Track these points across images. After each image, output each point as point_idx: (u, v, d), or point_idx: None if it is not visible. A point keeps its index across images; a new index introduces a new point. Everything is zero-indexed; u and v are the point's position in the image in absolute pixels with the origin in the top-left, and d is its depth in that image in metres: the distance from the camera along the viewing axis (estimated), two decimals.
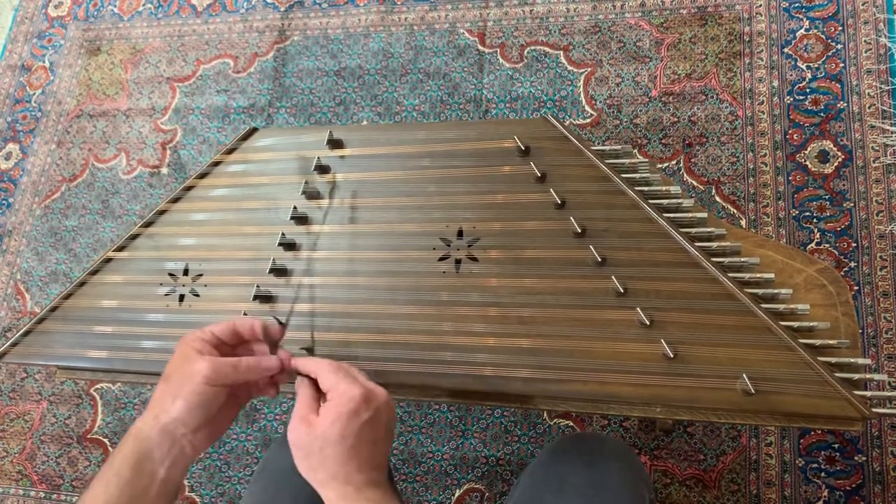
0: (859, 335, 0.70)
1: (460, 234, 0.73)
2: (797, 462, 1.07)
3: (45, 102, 1.63)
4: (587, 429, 1.15)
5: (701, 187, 1.22)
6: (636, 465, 0.72)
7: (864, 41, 1.23)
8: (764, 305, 0.62)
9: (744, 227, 1.19)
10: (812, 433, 1.08)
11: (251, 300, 0.75)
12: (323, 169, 0.80)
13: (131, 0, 1.67)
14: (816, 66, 1.24)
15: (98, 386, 1.37)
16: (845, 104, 1.20)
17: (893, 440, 1.04)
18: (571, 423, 1.16)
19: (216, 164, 0.85)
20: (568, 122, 1.30)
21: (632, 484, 0.68)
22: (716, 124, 1.25)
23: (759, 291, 0.63)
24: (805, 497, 1.05)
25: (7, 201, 1.57)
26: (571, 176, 0.72)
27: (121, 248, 0.83)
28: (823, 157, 1.19)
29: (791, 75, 1.24)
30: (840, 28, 1.25)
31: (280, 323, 0.60)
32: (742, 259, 0.65)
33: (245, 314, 0.74)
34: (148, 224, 0.83)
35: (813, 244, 1.15)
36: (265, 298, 0.75)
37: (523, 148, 0.74)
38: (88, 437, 1.34)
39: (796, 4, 1.28)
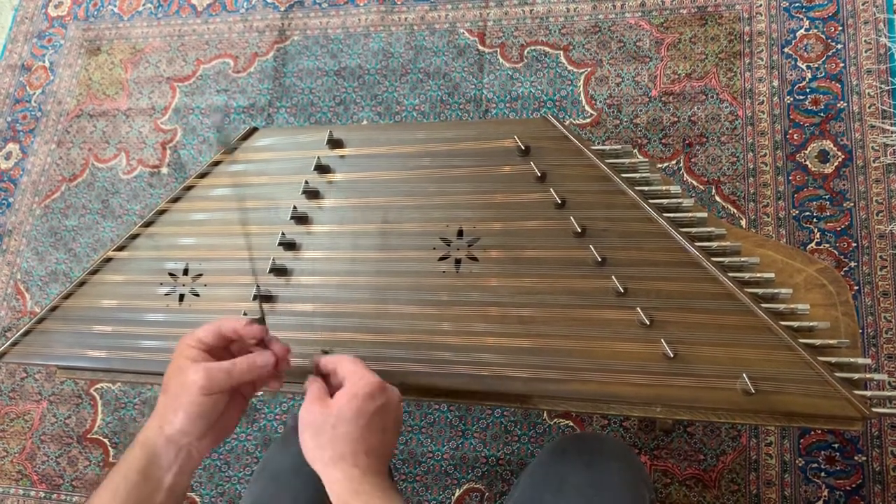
0: (859, 335, 0.70)
1: (460, 233, 0.73)
2: (797, 462, 1.07)
3: (45, 102, 1.63)
4: (587, 429, 1.16)
5: (701, 187, 1.22)
6: (636, 465, 0.72)
7: (864, 41, 1.23)
8: (764, 305, 0.62)
9: (744, 226, 1.19)
10: (812, 433, 1.08)
11: (251, 300, 0.74)
12: (323, 169, 0.80)
13: (131, 0, 1.67)
14: (816, 65, 1.24)
15: (98, 386, 1.37)
16: (845, 104, 1.20)
17: (893, 440, 1.04)
18: (571, 423, 1.16)
19: (216, 163, 0.85)
20: (568, 122, 1.30)
21: (632, 484, 0.68)
22: (716, 124, 1.25)
23: (760, 291, 0.63)
24: (805, 497, 1.05)
25: (7, 201, 1.57)
26: (571, 176, 0.72)
27: (121, 248, 0.83)
28: (823, 156, 1.19)
29: (791, 75, 1.24)
30: (840, 28, 1.25)
31: (258, 321, 0.60)
32: (742, 259, 0.65)
33: (245, 314, 0.74)
34: (148, 224, 0.83)
35: (813, 244, 1.15)
36: (265, 298, 0.75)
37: (523, 147, 0.74)
38: (88, 436, 1.34)
39: (796, 4, 1.28)
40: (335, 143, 0.81)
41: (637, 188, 0.70)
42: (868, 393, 0.59)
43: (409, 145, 0.78)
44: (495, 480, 1.15)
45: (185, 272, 0.79)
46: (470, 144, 0.77)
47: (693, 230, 0.67)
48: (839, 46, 1.24)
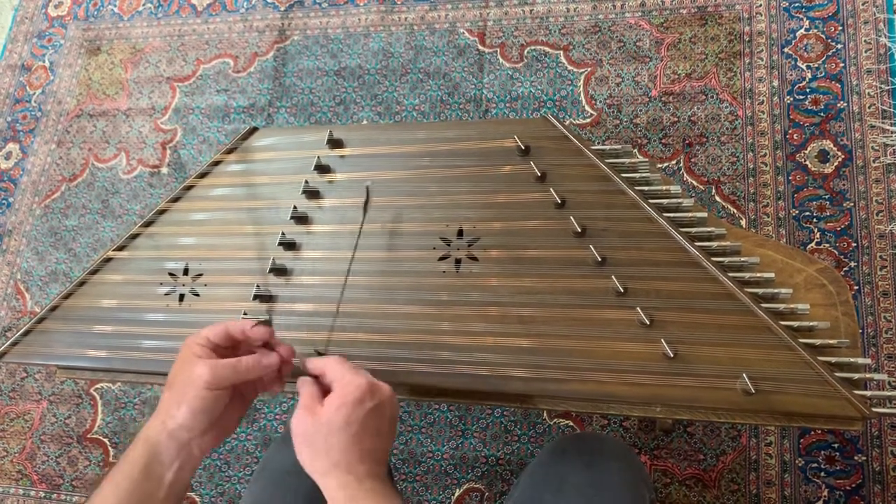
0: (859, 335, 0.70)
1: (460, 233, 0.73)
2: (797, 462, 1.07)
3: (45, 102, 1.63)
4: (587, 429, 1.16)
5: (701, 187, 1.22)
6: (636, 465, 0.72)
7: (864, 41, 1.23)
8: (764, 305, 0.62)
9: (744, 226, 1.19)
10: (812, 433, 1.08)
11: (251, 300, 0.74)
12: (323, 168, 0.80)
13: (131, 0, 1.67)
14: (816, 65, 1.24)
15: (98, 385, 1.37)
16: (845, 104, 1.20)
17: (893, 440, 1.04)
18: (571, 423, 1.16)
19: (216, 163, 0.85)
20: (568, 122, 1.30)
21: (632, 483, 0.68)
22: (716, 124, 1.25)
23: (759, 291, 0.63)
24: (805, 497, 1.05)
25: (7, 201, 1.57)
26: (571, 175, 0.72)
27: (121, 248, 0.83)
28: (823, 156, 1.19)
29: (791, 75, 1.24)
30: (840, 28, 1.25)
31: (265, 322, 0.60)
32: (742, 259, 0.65)
33: (245, 314, 0.74)
34: (148, 223, 0.83)
35: (813, 244, 1.15)
36: (265, 298, 0.75)
37: (523, 147, 0.74)
38: (88, 436, 1.34)
39: (796, 4, 1.28)
40: (335, 143, 0.81)
41: (637, 188, 0.70)
42: (868, 393, 0.59)
43: (409, 145, 0.79)
44: (495, 480, 1.15)
45: (185, 272, 0.79)
46: (470, 144, 0.77)
47: (693, 230, 0.67)
48: (839, 46, 1.24)
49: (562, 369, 0.64)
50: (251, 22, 1.56)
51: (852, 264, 1.13)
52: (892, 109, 1.18)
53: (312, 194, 0.79)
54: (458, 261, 0.71)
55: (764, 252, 0.67)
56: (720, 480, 1.08)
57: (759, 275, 0.64)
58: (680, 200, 0.68)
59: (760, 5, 1.29)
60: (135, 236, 0.83)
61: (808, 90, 1.23)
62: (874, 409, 0.58)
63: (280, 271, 0.76)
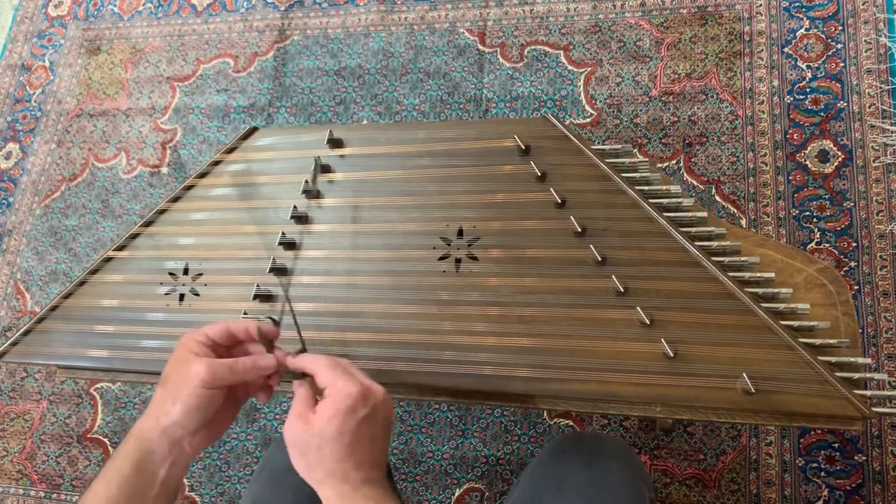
0: (859, 334, 0.71)
1: (460, 233, 0.73)
2: (797, 461, 1.07)
3: (45, 102, 1.63)
4: (587, 428, 1.16)
5: (701, 187, 1.22)
6: (636, 465, 0.72)
7: (865, 41, 1.23)
8: (764, 305, 0.62)
9: (744, 226, 1.19)
10: (812, 433, 1.08)
11: (251, 299, 0.74)
12: (323, 168, 0.80)
13: (131, 0, 1.67)
14: (816, 65, 1.24)
15: (98, 385, 1.37)
16: (845, 104, 1.20)
17: (893, 440, 1.04)
18: (571, 423, 1.16)
19: (216, 163, 0.85)
20: (568, 122, 1.30)
21: (632, 483, 0.68)
22: (716, 124, 1.25)
23: (760, 291, 0.63)
24: (805, 497, 1.05)
25: (7, 201, 1.57)
26: (572, 175, 0.72)
27: (121, 248, 0.83)
28: (823, 156, 1.19)
29: (791, 75, 1.24)
30: (840, 28, 1.25)
31: (274, 322, 0.59)
32: (742, 258, 0.65)
33: (245, 314, 0.74)
34: (148, 223, 0.83)
35: (813, 244, 1.15)
36: (265, 297, 0.75)
37: (523, 147, 0.74)
38: (88, 436, 1.34)
39: (796, 4, 1.28)
40: (335, 143, 0.81)
41: (637, 188, 0.70)
42: (868, 392, 0.59)
43: (409, 145, 0.78)
44: (495, 480, 1.15)
45: (186, 272, 0.79)
46: (470, 144, 0.77)
47: (693, 230, 0.67)
48: (839, 46, 1.24)
49: (562, 369, 0.64)
50: (251, 22, 1.56)
51: (852, 264, 1.13)
52: (892, 109, 1.18)
53: (312, 194, 0.79)
54: (458, 260, 0.71)
55: (764, 252, 0.67)
56: (720, 480, 1.08)
57: (759, 274, 0.64)
58: (680, 200, 0.68)
59: (760, 5, 1.29)
60: (135, 236, 0.83)
61: (808, 90, 1.23)
62: (874, 409, 0.58)
63: (280, 271, 0.76)
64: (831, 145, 1.19)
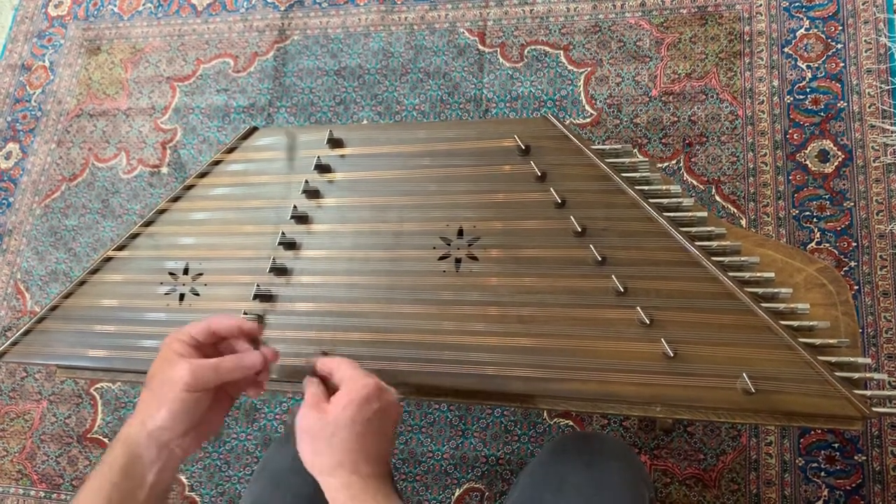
0: (859, 334, 0.71)
1: (460, 233, 0.73)
2: (797, 461, 1.07)
3: (45, 102, 1.63)
4: (587, 428, 1.16)
5: (701, 187, 1.22)
6: (636, 465, 0.72)
7: (865, 41, 1.23)
8: (764, 304, 0.63)
9: (744, 226, 1.19)
10: (812, 432, 1.08)
11: (251, 299, 0.75)
12: (323, 168, 0.80)
13: (131, 0, 1.67)
14: (816, 65, 1.24)
15: (98, 385, 1.37)
16: (845, 104, 1.20)
17: (893, 439, 1.04)
18: (571, 423, 1.16)
19: (216, 163, 0.85)
20: (568, 122, 1.30)
21: (632, 483, 0.68)
22: (716, 124, 1.25)
23: (759, 290, 0.63)
24: (805, 497, 1.05)
25: (7, 201, 1.57)
26: (572, 175, 0.72)
27: (121, 248, 0.83)
28: (823, 156, 1.19)
29: (791, 75, 1.24)
30: (840, 28, 1.25)
31: (259, 319, 0.59)
32: (742, 258, 0.65)
33: (245, 313, 0.74)
34: (148, 223, 0.83)
35: (813, 244, 1.15)
36: (265, 297, 0.75)
37: (523, 147, 0.74)
38: (88, 436, 1.34)
39: (796, 4, 1.28)
40: (335, 143, 0.81)
41: (637, 188, 0.70)
42: (868, 392, 0.59)
43: (409, 145, 0.79)
44: (495, 480, 1.15)
45: (186, 271, 0.79)
46: (470, 144, 0.77)
47: (693, 230, 0.67)
48: (839, 46, 1.24)
49: (562, 369, 0.64)
50: (251, 22, 1.56)
51: (852, 264, 1.13)
52: (892, 109, 1.18)
53: (312, 194, 0.79)
54: (458, 260, 0.71)
55: (764, 252, 0.67)
56: (720, 480, 1.08)
57: (759, 274, 0.64)
58: (680, 200, 0.68)
59: (760, 5, 1.29)
60: (135, 236, 0.83)
61: (808, 90, 1.23)
62: (874, 409, 0.58)
63: (280, 271, 0.76)
64: (831, 145, 1.19)
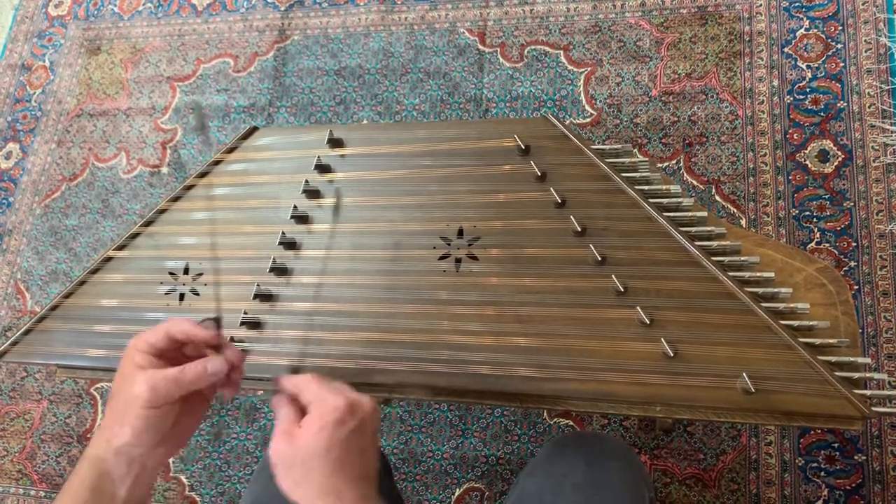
0: (859, 334, 0.71)
1: (460, 233, 0.73)
2: (797, 461, 1.07)
3: (45, 102, 1.63)
4: (587, 428, 1.16)
5: (701, 187, 1.22)
6: (636, 465, 0.72)
7: (864, 41, 1.23)
8: (764, 304, 0.63)
9: (744, 226, 1.19)
10: (812, 432, 1.08)
11: (251, 299, 0.75)
12: (323, 168, 0.80)
13: (131, 0, 1.67)
14: (816, 65, 1.24)
15: (98, 385, 1.37)
16: (845, 104, 1.20)
17: (893, 439, 1.04)
18: (571, 423, 1.16)
19: (216, 162, 0.85)
20: (568, 122, 1.30)
21: (632, 483, 0.68)
22: (716, 124, 1.25)
23: (759, 290, 0.63)
24: (805, 496, 1.05)
25: (7, 200, 1.57)
26: (572, 175, 0.72)
27: (121, 247, 0.83)
28: (823, 156, 1.19)
29: (791, 75, 1.24)
30: (840, 28, 1.25)
31: (216, 322, 0.56)
32: (742, 258, 0.65)
33: (245, 313, 0.74)
34: (148, 223, 0.83)
35: (813, 243, 1.15)
36: (265, 297, 0.75)
37: (523, 147, 0.74)
38: (88, 436, 1.34)
39: (796, 4, 1.28)
40: (335, 143, 0.81)
41: (637, 187, 0.70)
42: (868, 392, 0.59)
43: (409, 145, 0.79)
44: (495, 480, 1.15)
45: (186, 271, 0.79)
46: (470, 144, 0.77)
47: (693, 229, 0.67)
48: (839, 46, 1.24)
49: (562, 368, 0.64)
50: (251, 22, 1.56)
51: (852, 264, 1.13)
52: (892, 109, 1.18)
53: (313, 194, 0.79)
54: (458, 260, 0.71)
55: (764, 251, 0.67)
56: (720, 480, 1.08)
57: (758, 274, 0.64)
58: (680, 200, 0.68)
59: (760, 5, 1.29)
60: (135, 235, 0.83)
61: (808, 90, 1.23)
62: (874, 409, 0.58)
63: (280, 270, 0.76)
64: (831, 145, 1.19)
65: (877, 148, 1.17)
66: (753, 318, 0.62)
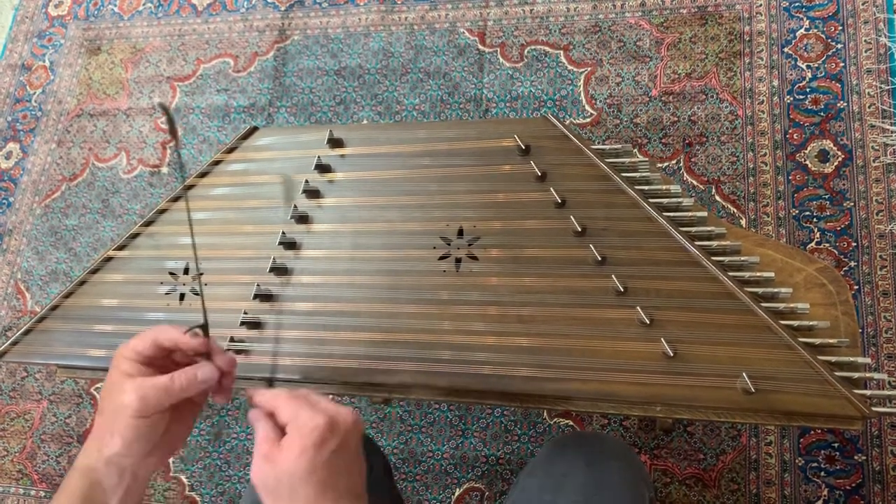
0: (859, 334, 0.71)
1: (461, 233, 0.73)
2: (797, 461, 1.07)
3: (45, 102, 1.63)
4: (587, 428, 1.16)
5: (701, 187, 1.22)
6: (636, 464, 0.72)
7: (864, 41, 1.23)
8: (764, 304, 0.63)
9: (744, 226, 1.19)
10: (812, 432, 1.08)
11: (251, 299, 0.75)
12: (323, 168, 0.80)
13: (131, 0, 1.67)
14: (816, 65, 1.24)
15: (98, 385, 1.37)
16: (845, 104, 1.20)
17: (893, 439, 1.05)
18: (571, 423, 1.16)
19: (216, 162, 0.85)
20: (568, 122, 1.30)
21: (631, 483, 0.68)
22: (716, 124, 1.25)
23: (759, 290, 0.63)
24: (805, 496, 1.05)
25: (7, 200, 1.57)
26: (572, 175, 0.72)
27: (121, 247, 0.83)
28: (823, 156, 1.19)
29: (791, 75, 1.24)
30: (840, 28, 1.25)
31: (203, 329, 0.54)
32: (742, 258, 0.65)
33: (245, 313, 0.74)
34: (148, 223, 0.83)
35: (813, 243, 1.15)
36: (265, 297, 0.75)
37: (523, 147, 0.74)
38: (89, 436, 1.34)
39: (796, 4, 1.28)
40: (335, 143, 0.81)
41: (637, 187, 0.70)
42: (868, 392, 0.59)
43: (409, 145, 0.79)
44: (495, 479, 1.15)
45: (186, 271, 0.79)
46: (470, 144, 0.77)
47: (693, 229, 0.67)
48: (839, 46, 1.24)
49: (562, 368, 0.64)
50: (251, 21, 1.56)
51: (852, 264, 1.13)
52: (892, 109, 1.18)
53: (313, 194, 0.79)
54: (458, 260, 0.71)
55: (764, 251, 0.67)
56: (720, 480, 1.08)
57: (758, 274, 0.64)
58: (680, 200, 0.68)
59: (760, 5, 1.29)
60: (135, 235, 0.83)
61: (808, 90, 1.23)
62: (874, 409, 0.58)
63: (280, 270, 0.76)
64: (831, 145, 1.19)
65: (877, 148, 1.17)
66: (753, 318, 0.62)
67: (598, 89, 1.32)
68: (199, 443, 1.28)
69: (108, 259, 0.83)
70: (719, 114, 1.25)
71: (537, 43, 1.38)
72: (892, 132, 1.17)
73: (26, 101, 1.64)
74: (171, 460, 1.27)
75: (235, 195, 0.82)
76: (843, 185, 1.17)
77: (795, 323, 0.61)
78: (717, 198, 1.21)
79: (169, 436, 0.53)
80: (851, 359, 0.60)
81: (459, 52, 1.42)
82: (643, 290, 0.66)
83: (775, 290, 0.63)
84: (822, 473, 1.05)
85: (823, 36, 1.25)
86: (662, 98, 1.28)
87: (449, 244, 0.72)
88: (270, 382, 0.68)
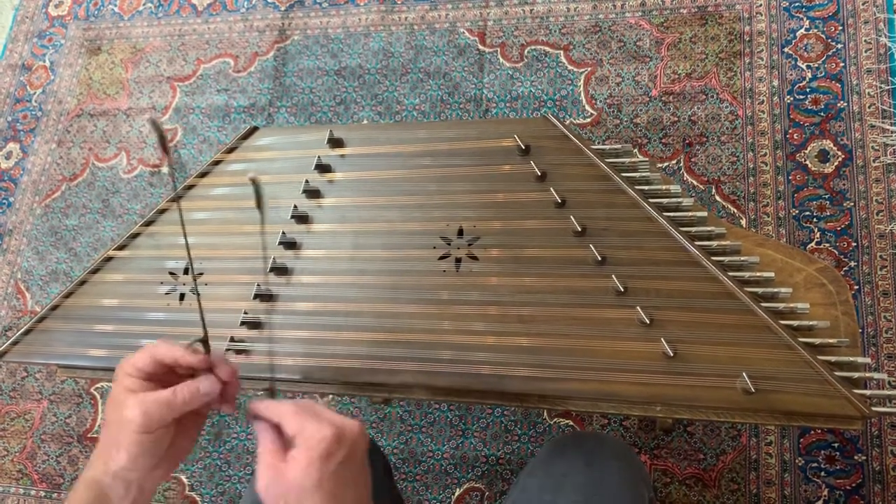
0: (859, 334, 0.71)
1: (461, 232, 0.73)
2: (797, 461, 1.07)
3: (45, 102, 1.63)
4: (587, 428, 1.16)
5: (701, 187, 1.22)
6: (636, 464, 0.72)
7: (865, 41, 1.23)
8: (764, 304, 0.63)
9: (744, 226, 1.19)
10: (812, 432, 1.08)
11: (251, 299, 0.75)
12: (324, 168, 0.80)
13: (131, 0, 1.67)
14: (816, 65, 1.24)
15: (98, 385, 1.37)
16: (845, 104, 1.20)
17: (893, 439, 1.05)
18: (571, 423, 1.16)
19: (217, 162, 0.85)
20: (568, 122, 1.30)
21: (631, 483, 0.68)
22: (716, 124, 1.25)
23: (759, 290, 0.63)
24: (805, 496, 1.05)
25: (7, 200, 1.57)
26: (572, 175, 0.72)
27: (121, 247, 0.83)
28: (823, 156, 1.19)
29: (791, 75, 1.24)
30: (840, 28, 1.25)
31: (204, 344, 0.54)
32: (742, 258, 0.65)
33: (246, 313, 0.74)
34: (148, 223, 0.83)
35: (813, 243, 1.15)
36: (265, 297, 0.75)
37: (523, 147, 0.74)
38: (89, 436, 1.34)
39: (796, 4, 1.28)
40: (336, 143, 0.81)
41: (637, 187, 0.70)
42: (868, 392, 0.59)
43: (409, 144, 0.79)
44: (495, 479, 1.15)
45: (186, 271, 0.79)
46: (470, 144, 0.77)
47: (693, 229, 0.67)
48: (839, 46, 1.24)
49: (562, 368, 0.64)
50: (251, 22, 1.56)
51: (852, 264, 1.13)
52: (892, 109, 1.18)
53: (313, 194, 0.79)
54: (458, 260, 0.71)
55: (764, 251, 0.67)
56: (720, 480, 1.08)
57: (758, 274, 0.64)
58: (680, 200, 0.68)
59: (760, 5, 1.29)
60: (135, 235, 0.83)
61: (808, 90, 1.23)
62: (874, 409, 0.58)
63: (280, 270, 0.76)
64: (831, 145, 1.19)
65: (877, 148, 1.17)
66: (753, 318, 0.62)
67: (598, 89, 1.32)
68: (199, 443, 1.28)
69: (109, 259, 0.83)
70: (719, 114, 1.25)
71: (537, 43, 1.38)
72: (892, 132, 1.17)
73: (26, 101, 1.64)
74: None
75: (235, 195, 0.82)
76: (844, 185, 1.17)
77: (795, 323, 0.61)
78: (717, 198, 1.21)
79: (174, 448, 0.54)
80: (851, 359, 0.60)
81: (459, 52, 1.42)
82: (643, 290, 0.66)
83: (775, 290, 0.63)
84: (823, 473, 1.05)
85: (823, 36, 1.25)
86: (662, 98, 1.28)
87: (449, 244, 0.72)
88: (273, 393, 0.67)
